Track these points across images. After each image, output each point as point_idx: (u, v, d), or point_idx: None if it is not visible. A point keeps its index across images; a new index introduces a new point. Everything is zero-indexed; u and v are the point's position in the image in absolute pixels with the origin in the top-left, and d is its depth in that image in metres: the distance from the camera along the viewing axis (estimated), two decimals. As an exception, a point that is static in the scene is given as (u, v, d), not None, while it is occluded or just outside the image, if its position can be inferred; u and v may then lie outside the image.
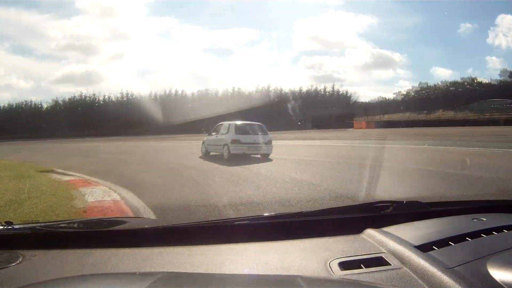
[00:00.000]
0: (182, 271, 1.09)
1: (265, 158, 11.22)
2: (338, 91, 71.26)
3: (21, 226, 1.34)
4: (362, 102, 71.45)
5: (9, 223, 1.30)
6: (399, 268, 1.06)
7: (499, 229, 1.32)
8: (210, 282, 1.03)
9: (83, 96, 69.82)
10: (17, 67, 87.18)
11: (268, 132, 12.15)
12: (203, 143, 13.13)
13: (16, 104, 69.84)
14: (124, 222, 1.41)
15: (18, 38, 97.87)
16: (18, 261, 1.10)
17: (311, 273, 1.07)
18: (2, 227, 1.27)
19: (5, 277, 1.04)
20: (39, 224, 1.35)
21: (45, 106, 69.93)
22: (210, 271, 1.09)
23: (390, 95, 76.58)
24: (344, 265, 1.09)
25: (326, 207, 1.52)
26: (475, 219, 1.45)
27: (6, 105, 70.30)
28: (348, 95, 71.91)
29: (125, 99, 68.21)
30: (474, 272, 0.98)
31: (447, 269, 0.99)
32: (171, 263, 1.15)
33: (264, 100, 58.19)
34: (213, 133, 12.53)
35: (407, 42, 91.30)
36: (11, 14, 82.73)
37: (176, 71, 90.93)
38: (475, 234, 1.27)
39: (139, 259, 1.16)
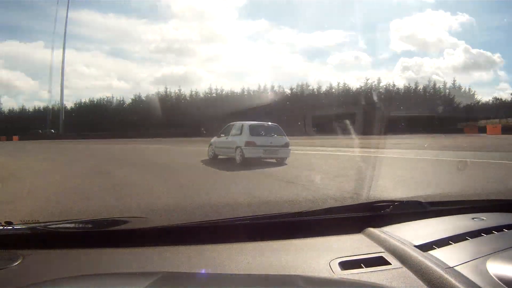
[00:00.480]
0: (182, 271, 1.09)
1: (282, 163, 9.97)
2: (459, 87, 57.25)
3: (21, 226, 1.34)
4: (481, 104, 56.41)
5: (9, 223, 1.29)
6: (400, 268, 1.06)
7: (499, 229, 1.32)
8: (210, 282, 1.03)
9: (168, 92, 62.38)
10: (117, 69, 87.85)
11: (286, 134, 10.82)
12: (210, 145, 11.79)
13: (96, 100, 64.94)
14: (124, 222, 1.41)
15: (118, 42, 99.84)
16: (18, 261, 1.10)
17: (311, 273, 1.07)
18: (2, 227, 1.27)
19: (5, 277, 1.04)
20: (39, 224, 1.35)
21: (127, 102, 63.58)
22: (210, 271, 1.09)
23: (494, 97, 61.11)
24: (344, 265, 1.09)
25: (326, 207, 1.52)
26: (475, 218, 1.45)
27: (87, 100, 65.76)
28: (471, 92, 57.58)
29: (213, 95, 60.47)
30: (474, 271, 0.98)
31: (447, 269, 0.99)
32: (171, 263, 1.15)
33: (367, 100, 48.50)
34: (222, 135, 11.31)
35: (507, 42, 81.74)
36: (110, 20, 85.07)
37: (270, 73, 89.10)
38: (475, 234, 1.27)
39: (139, 259, 1.16)
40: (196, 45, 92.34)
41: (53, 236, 1.28)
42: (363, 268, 1.08)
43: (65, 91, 63.86)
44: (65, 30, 59.65)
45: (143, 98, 62.59)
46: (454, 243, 1.20)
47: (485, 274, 0.97)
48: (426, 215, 1.51)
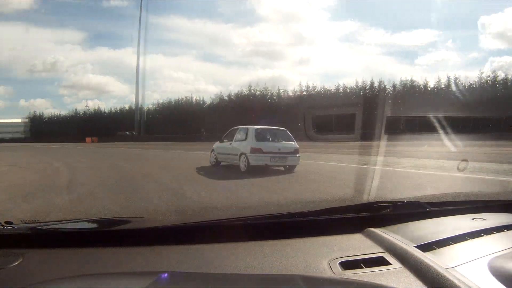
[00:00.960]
0: (182, 271, 1.09)
1: (291, 170, 9.30)
2: None
3: (21, 226, 1.34)
4: None
5: (9, 223, 1.30)
6: (400, 268, 1.06)
7: (499, 229, 1.32)
8: (210, 282, 1.03)
9: (252, 90, 55.09)
10: (206, 73, 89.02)
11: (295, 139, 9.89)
12: (212, 151, 11.07)
13: (175, 100, 61.40)
14: (124, 222, 1.41)
15: (205, 47, 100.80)
16: (18, 261, 1.10)
17: (311, 273, 1.07)
18: (2, 227, 1.27)
19: (5, 277, 1.04)
20: (39, 224, 1.35)
21: (208, 102, 58.81)
22: (210, 271, 1.09)
23: None
24: (344, 265, 1.09)
25: (326, 207, 1.52)
26: (475, 218, 1.46)
27: (165, 101, 62.63)
28: None
29: (304, 93, 52.48)
30: (474, 272, 0.98)
31: (447, 269, 0.99)
32: (171, 263, 1.15)
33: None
34: (225, 140, 10.54)
35: None
36: (197, 25, 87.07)
37: (362, 75, 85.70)
38: (475, 234, 1.27)
39: (139, 259, 1.16)
40: (286, 47, 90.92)
41: (53, 236, 1.28)
42: (363, 268, 1.08)
43: (155, 95, 64.06)
44: (139, 33, 58.57)
45: (232, 97, 56.17)
46: (454, 243, 1.20)
47: (485, 274, 0.98)
48: (427, 216, 1.51)
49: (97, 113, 67.44)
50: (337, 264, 1.10)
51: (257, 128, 9.83)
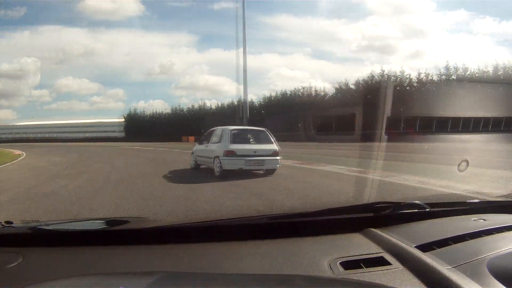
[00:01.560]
0: (182, 271, 1.09)
1: (270, 173, 8.73)
2: None
3: (22, 225, 1.34)
4: None
5: (9, 222, 1.30)
6: (400, 268, 1.06)
7: (499, 230, 1.32)
8: (210, 282, 1.02)
9: (375, 80, 43.83)
10: (320, 70, 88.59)
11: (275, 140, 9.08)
12: (192, 153, 10.76)
13: (290, 91, 54.57)
14: (124, 222, 1.41)
15: (318, 44, 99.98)
16: (18, 261, 1.10)
17: (311, 273, 1.07)
18: (2, 227, 1.28)
19: (5, 277, 1.04)
20: (39, 224, 1.35)
21: (330, 93, 50.50)
22: (210, 271, 1.09)
23: None
24: (344, 265, 1.09)
25: (326, 207, 1.52)
26: (475, 219, 1.45)
27: (274, 94, 57.08)
28: None
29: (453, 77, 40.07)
30: (474, 272, 0.98)
31: (447, 269, 0.99)
32: (171, 263, 1.15)
33: None
34: (204, 142, 10.02)
35: None
36: (309, 22, 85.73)
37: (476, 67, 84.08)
38: (475, 234, 1.27)
39: (139, 259, 1.16)
40: (397, 41, 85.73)
41: (53, 236, 1.29)
42: (363, 268, 1.08)
43: (271, 94, 60.68)
44: (244, 33, 50.53)
45: (351, 86, 45.49)
46: (454, 243, 1.20)
47: (485, 275, 0.98)
48: (427, 216, 1.51)
49: (201, 109, 62.80)
50: (337, 264, 1.10)
51: (233, 129, 9.20)
